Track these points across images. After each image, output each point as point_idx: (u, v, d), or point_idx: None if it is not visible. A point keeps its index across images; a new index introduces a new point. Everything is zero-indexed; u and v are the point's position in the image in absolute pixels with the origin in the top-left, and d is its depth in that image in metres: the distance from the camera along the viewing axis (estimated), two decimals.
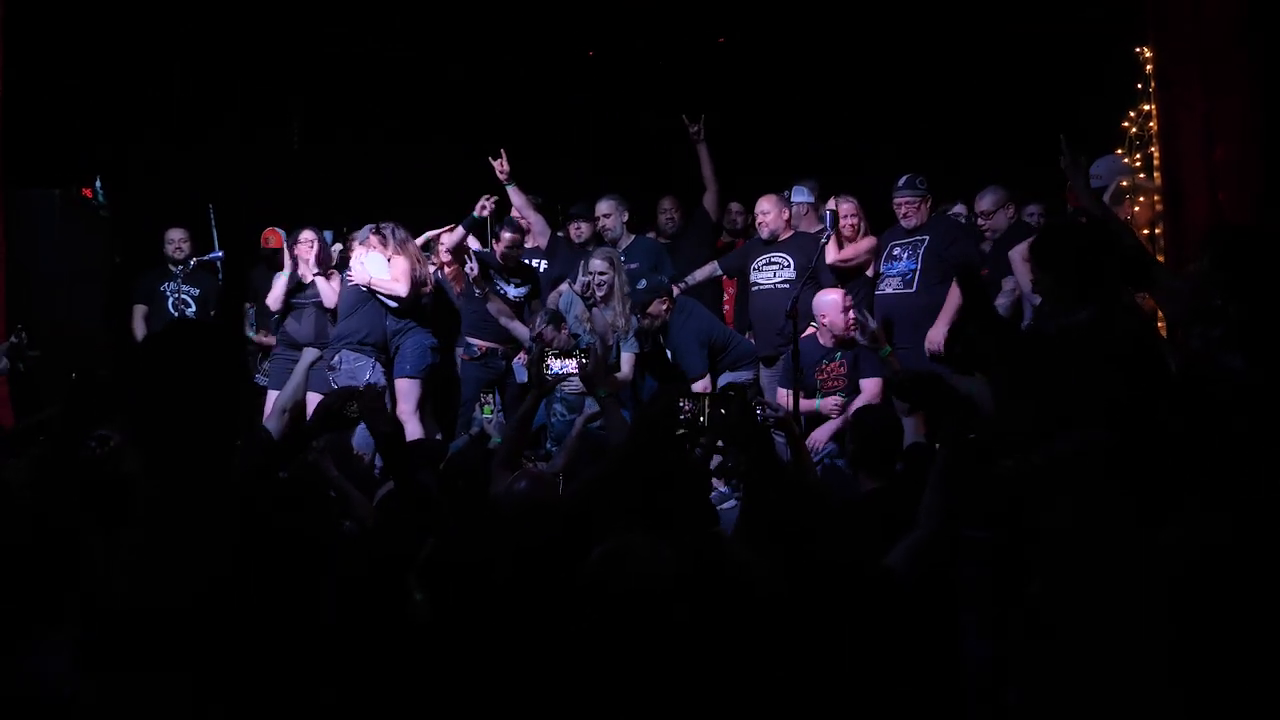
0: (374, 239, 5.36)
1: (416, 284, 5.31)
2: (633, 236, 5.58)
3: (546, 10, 6.61)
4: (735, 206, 6.01)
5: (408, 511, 2.58)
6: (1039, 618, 1.75)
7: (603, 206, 5.54)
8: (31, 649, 1.88)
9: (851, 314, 4.60)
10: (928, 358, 4.59)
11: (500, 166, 5.53)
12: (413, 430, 5.22)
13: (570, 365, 2.95)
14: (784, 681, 1.76)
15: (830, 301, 4.69)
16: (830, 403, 4.60)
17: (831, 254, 5.03)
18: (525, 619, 1.93)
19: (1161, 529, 1.83)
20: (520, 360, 5.36)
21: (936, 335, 4.64)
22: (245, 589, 1.73)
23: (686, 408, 2.10)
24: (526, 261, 5.68)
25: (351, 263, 5.42)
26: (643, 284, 5.02)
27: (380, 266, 5.29)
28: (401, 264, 5.28)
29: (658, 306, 4.91)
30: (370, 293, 5.32)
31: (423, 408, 5.36)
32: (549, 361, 2.97)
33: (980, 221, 4.86)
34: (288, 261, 5.58)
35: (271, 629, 1.80)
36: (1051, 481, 1.93)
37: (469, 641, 2.00)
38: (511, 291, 5.54)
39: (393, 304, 5.32)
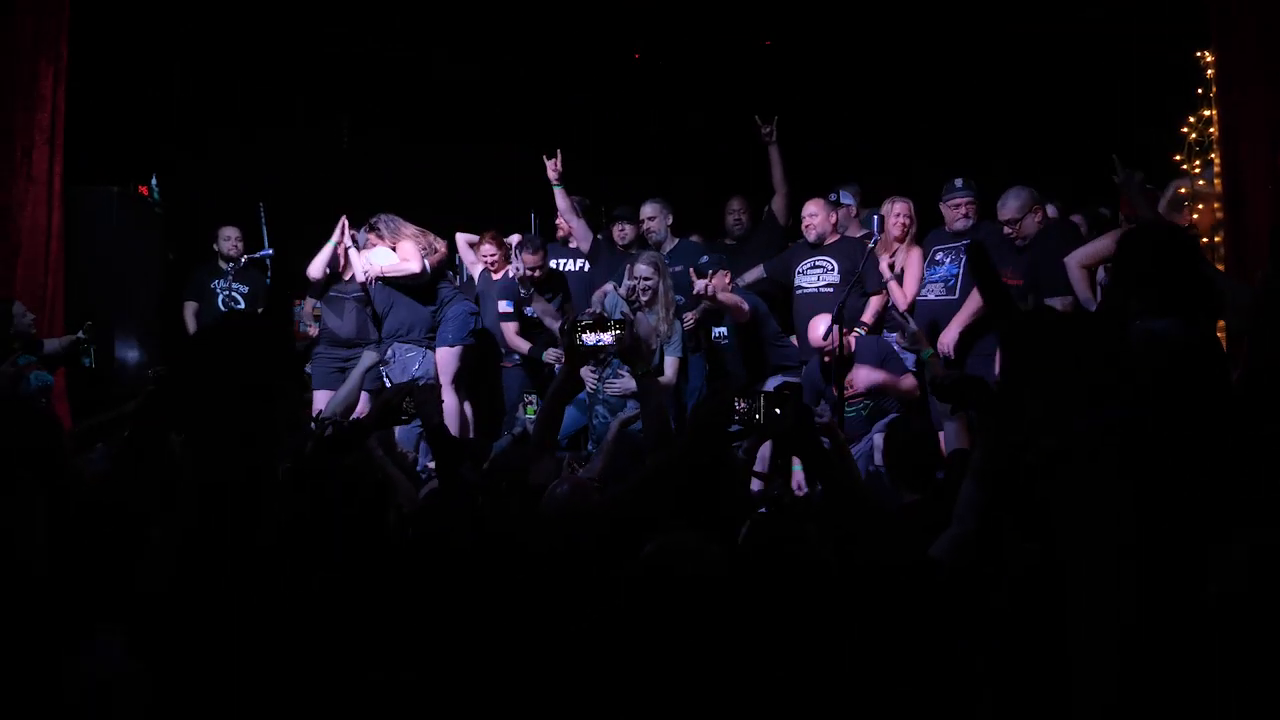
0: (371, 236, 5.45)
1: (426, 257, 5.38)
2: (676, 240, 5.57)
3: (601, 12, 6.63)
4: (736, 205, 5.79)
5: (452, 505, 2.59)
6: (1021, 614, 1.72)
7: (647, 209, 5.54)
8: (90, 639, 1.92)
9: (832, 341, 4.54)
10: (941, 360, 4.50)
11: (554, 166, 5.55)
12: (450, 403, 5.26)
13: (605, 338, 2.63)
14: (828, 679, 1.74)
15: (813, 331, 4.65)
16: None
17: (900, 301, 4.95)
18: (569, 619, 1.92)
19: (1226, 538, 1.78)
20: (551, 355, 5.34)
21: (948, 338, 4.58)
22: (288, 579, 1.75)
23: (741, 406, 2.05)
24: (557, 267, 5.68)
25: (358, 266, 5.48)
26: (705, 259, 5.07)
27: (387, 256, 5.38)
28: (407, 246, 5.37)
29: (720, 279, 4.88)
30: (392, 285, 5.40)
31: (460, 382, 5.40)
32: (582, 335, 2.65)
33: (1007, 230, 4.52)
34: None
35: (315, 619, 1.82)
36: (1066, 465, 1.87)
37: (510, 641, 2.00)
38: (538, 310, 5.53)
39: (415, 285, 5.39)
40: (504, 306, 5.52)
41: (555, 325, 5.33)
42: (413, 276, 5.34)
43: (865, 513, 2.06)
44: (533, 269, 5.42)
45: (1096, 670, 1.64)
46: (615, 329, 2.62)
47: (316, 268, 5.60)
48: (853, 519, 2.00)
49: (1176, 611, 1.63)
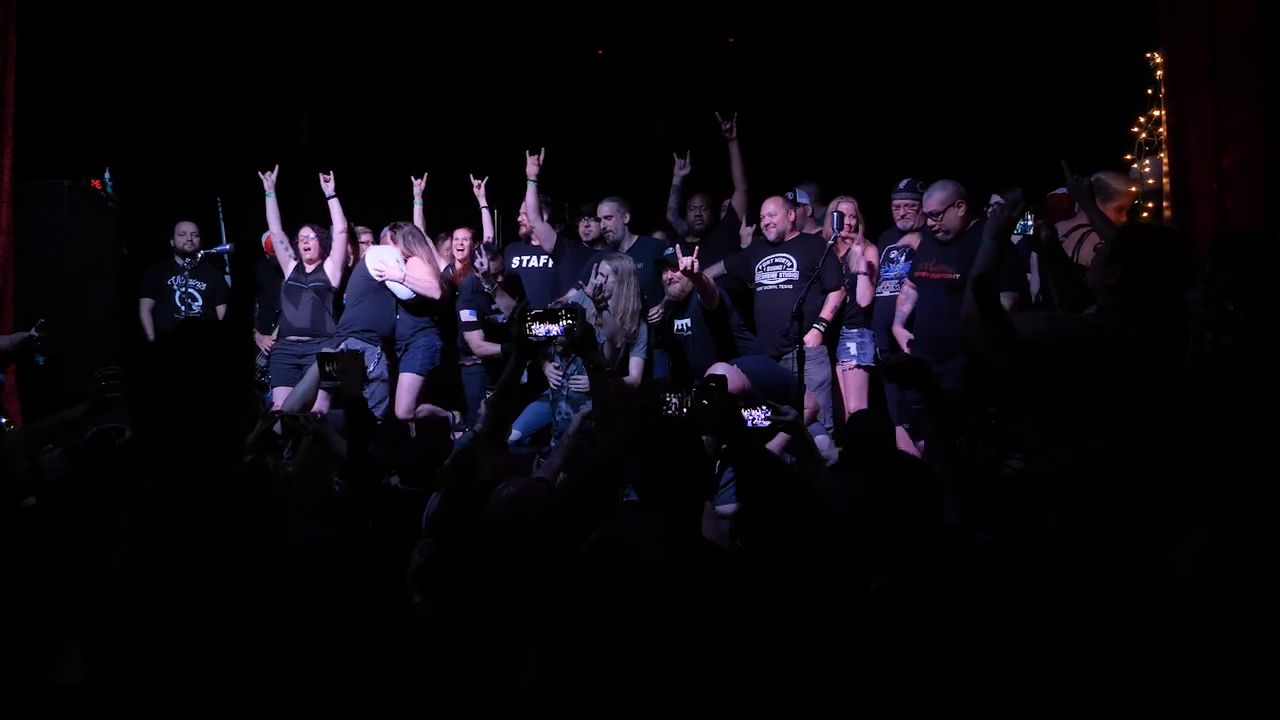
0: (389, 234, 5.53)
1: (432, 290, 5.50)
2: (635, 237, 5.58)
3: (553, 10, 6.62)
4: (697, 201, 5.81)
5: (358, 479, 2.59)
6: (1023, 616, 1.76)
7: (604, 208, 5.54)
8: (59, 639, 1.90)
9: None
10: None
11: (535, 162, 5.55)
12: (424, 412, 5.33)
13: (554, 329, 2.56)
14: (781, 669, 1.77)
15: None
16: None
17: (865, 295, 5.07)
18: (522, 615, 1.94)
19: (1175, 540, 1.84)
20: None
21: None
22: (248, 583, 1.74)
23: (673, 400, 2.05)
24: (519, 264, 5.69)
25: (383, 259, 5.49)
26: (669, 251, 5.12)
27: (395, 263, 5.46)
28: (418, 267, 5.47)
29: (684, 262, 4.83)
30: (380, 285, 5.46)
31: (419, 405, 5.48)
32: (531, 326, 2.57)
33: (930, 223, 4.57)
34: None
35: (273, 625, 1.81)
36: (1055, 486, 1.94)
37: (467, 640, 2.01)
38: (502, 318, 5.52)
39: (409, 300, 5.49)
40: (467, 315, 5.53)
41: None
42: (426, 299, 5.45)
43: (810, 501, 2.10)
44: (489, 274, 5.41)
45: (1082, 676, 1.69)
46: (565, 319, 2.56)
47: (273, 218, 5.74)
48: (796, 506, 2.04)
49: (1152, 616, 1.69)
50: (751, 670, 1.72)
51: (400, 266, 5.42)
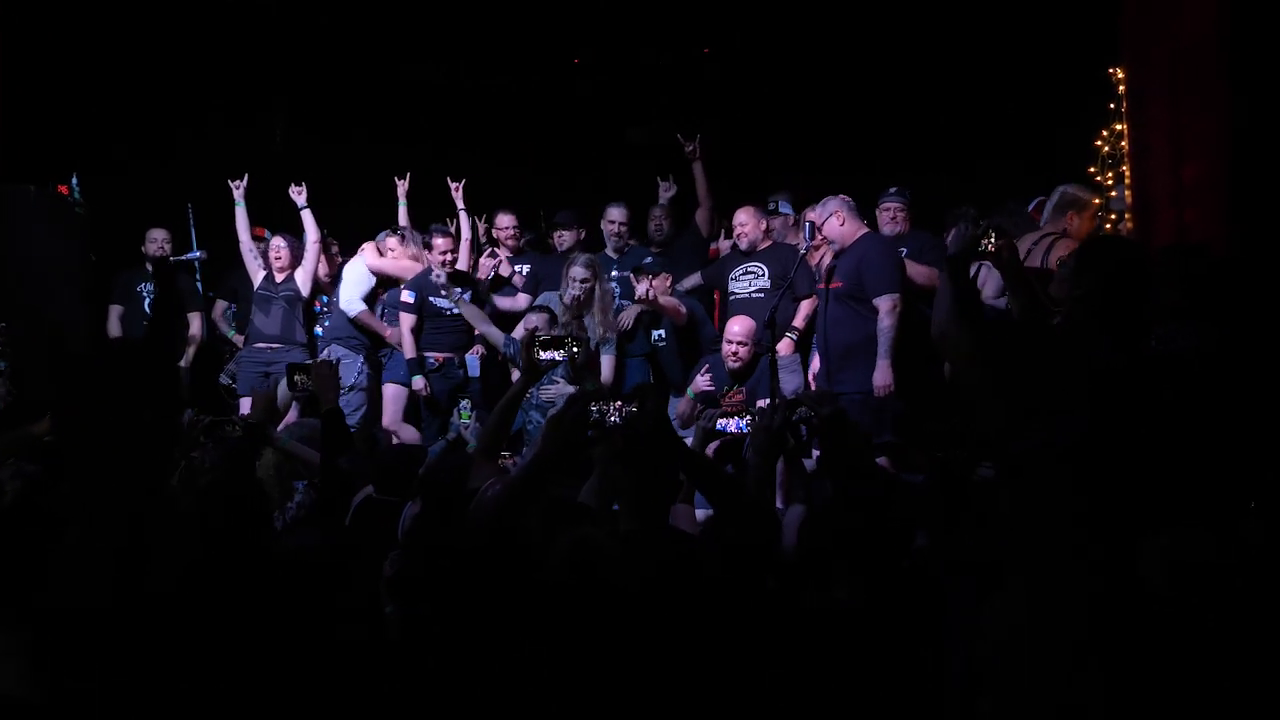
0: (392, 240, 5.64)
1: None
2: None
3: (530, 17, 6.64)
4: (657, 212, 5.85)
5: (330, 491, 2.62)
6: (1002, 621, 1.80)
7: (619, 214, 5.60)
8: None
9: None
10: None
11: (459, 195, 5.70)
12: (408, 435, 5.30)
13: (558, 355, 2.84)
14: (767, 677, 1.80)
15: (742, 330, 4.71)
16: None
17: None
18: (499, 623, 1.95)
19: (1146, 538, 1.88)
20: (476, 352, 5.42)
21: (883, 378, 4.59)
22: (187, 594, 1.74)
23: (602, 409, 2.04)
24: (465, 270, 5.66)
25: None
26: (648, 260, 5.25)
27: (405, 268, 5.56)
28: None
29: (661, 282, 5.02)
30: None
31: (410, 415, 5.46)
32: (539, 352, 2.82)
33: (818, 236, 4.84)
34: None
35: (242, 631, 1.81)
36: (1017, 477, 1.97)
37: (440, 649, 2.02)
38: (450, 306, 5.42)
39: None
40: (406, 296, 5.42)
41: (487, 329, 5.20)
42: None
43: (749, 512, 2.13)
44: (443, 252, 5.37)
45: (1034, 668, 1.72)
46: (570, 347, 2.83)
47: (242, 229, 5.73)
48: (737, 516, 2.07)
49: (1116, 610, 1.73)
50: (723, 670, 1.75)
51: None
